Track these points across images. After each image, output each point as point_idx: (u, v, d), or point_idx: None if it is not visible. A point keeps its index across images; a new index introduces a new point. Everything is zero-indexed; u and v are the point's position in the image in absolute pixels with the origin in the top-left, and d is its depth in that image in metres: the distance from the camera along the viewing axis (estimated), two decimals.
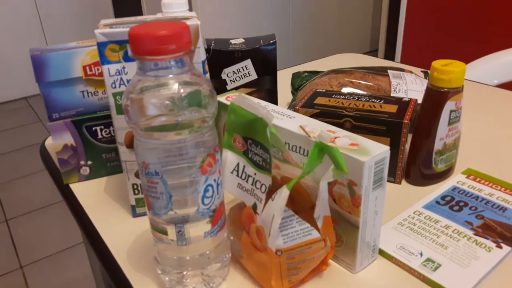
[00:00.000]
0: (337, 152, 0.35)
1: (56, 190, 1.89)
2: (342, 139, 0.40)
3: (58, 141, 0.57)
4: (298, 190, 0.41)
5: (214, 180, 0.38)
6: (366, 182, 0.38)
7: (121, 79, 0.46)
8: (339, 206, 0.41)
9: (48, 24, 2.86)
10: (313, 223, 0.39)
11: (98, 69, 0.56)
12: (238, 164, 0.41)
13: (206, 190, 0.37)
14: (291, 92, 0.78)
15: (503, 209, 0.49)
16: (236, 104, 0.40)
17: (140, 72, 0.34)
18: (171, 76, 0.34)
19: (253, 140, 0.39)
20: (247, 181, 0.40)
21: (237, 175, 0.41)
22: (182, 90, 0.34)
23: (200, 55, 0.47)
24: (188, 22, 0.45)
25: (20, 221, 1.74)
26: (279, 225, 0.37)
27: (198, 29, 0.45)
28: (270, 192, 0.38)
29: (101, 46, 0.44)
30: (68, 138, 0.57)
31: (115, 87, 0.46)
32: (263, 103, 0.50)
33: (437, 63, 0.51)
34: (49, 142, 0.72)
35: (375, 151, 0.38)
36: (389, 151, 0.39)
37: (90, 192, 0.58)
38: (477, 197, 0.51)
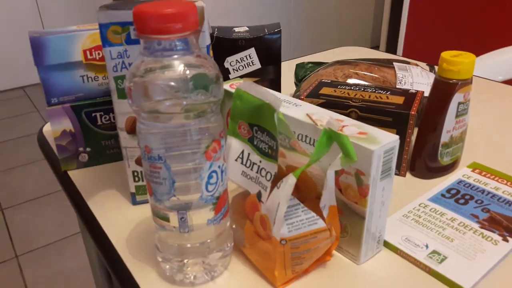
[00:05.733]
0: (347, 139, 0.34)
1: (52, 180, 1.88)
2: (350, 128, 0.39)
3: (56, 126, 0.56)
4: (303, 179, 0.40)
5: (219, 167, 0.37)
6: (374, 172, 0.37)
7: (123, 62, 0.44)
8: (345, 196, 0.40)
9: (46, 12, 2.83)
10: (318, 212, 0.38)
11: (99, 54, 0.54)
12: (242, 152, 0.40)
13: (210, 177, 0.36)
14: (294, 83, 0.77)
15: (509, 203, 0.49)
16: (243, 89, 0.39)
17: (144, 52, 0.33)
18: (176, 57, 0.33)
19: (259, 126, 0.38)
20: (251, 169, 0.39)
21: (242, 163, 0.40)
22: (187, 72, 0.33)
23: (205, 39, 0.45)
24: None
25: (16, 211, 1.72)
26: (284, 213, 0.36)
27: (204, 11, 0.44)
28: (275, 181, 0.37)
29: (103, 27, 0.43)
30: (67, 124, 0.56)
31: (117, 70, 0.44)
32: (270, 90, 0.49)
33: (446, 54, 0.50)
34: (47, 129, 0.70)
35: (384, 140, 0.37)
36: (399, 140, 0.38)
37: (88, 180, 0.57)
38: (483, 191, 0.51)
